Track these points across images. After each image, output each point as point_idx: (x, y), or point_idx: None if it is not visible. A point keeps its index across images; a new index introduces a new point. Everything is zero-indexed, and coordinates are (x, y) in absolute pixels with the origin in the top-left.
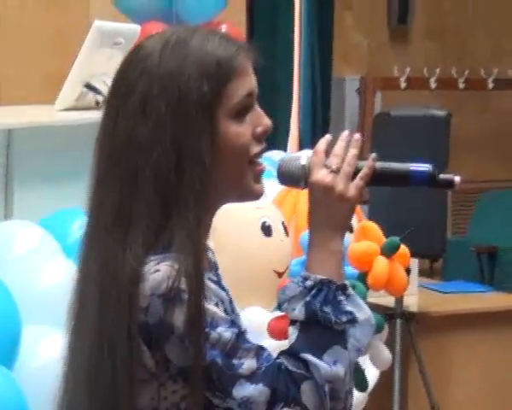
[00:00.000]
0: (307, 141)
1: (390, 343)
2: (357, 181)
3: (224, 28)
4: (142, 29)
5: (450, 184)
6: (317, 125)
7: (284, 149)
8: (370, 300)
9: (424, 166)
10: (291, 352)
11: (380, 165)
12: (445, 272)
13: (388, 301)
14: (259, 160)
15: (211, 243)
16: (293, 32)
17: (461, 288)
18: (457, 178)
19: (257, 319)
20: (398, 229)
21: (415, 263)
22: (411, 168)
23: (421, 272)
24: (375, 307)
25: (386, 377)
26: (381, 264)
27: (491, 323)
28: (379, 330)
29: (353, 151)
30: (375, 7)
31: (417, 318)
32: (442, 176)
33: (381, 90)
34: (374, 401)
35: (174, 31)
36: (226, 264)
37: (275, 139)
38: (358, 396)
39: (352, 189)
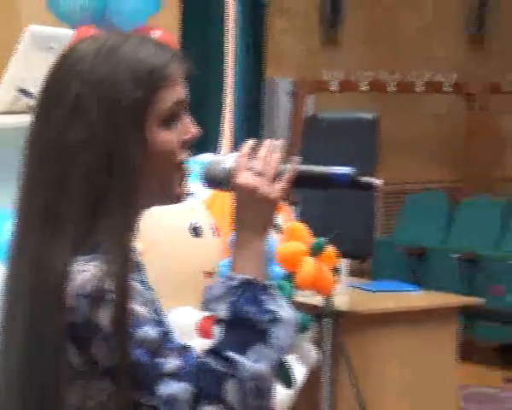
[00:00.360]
0: (240, 144)
1: (320, 342)
2: (280, 183)
3: (157, 33)
4: (76, 34)
5: (369, 186)
6: (250, 127)
7: (217, 151)
8: (300, 299)
9: (345, 170)
10: (215, 350)
11: (303, 168)
12: (375, 271)
13: (318, 300)
14: (185, 165)
15: (139, 244)
16: (225, 35)
17: (389, 287)
18: (377, 181)
19: (186, 319)
20: (328, 230)
21: (344, 263)
22: (333, 171)
23: (352, 272)
24: (304, 307)
25: (316, 375)
26: (308, 264)
27: (419, 321)
28: (305, 329)
29: (276, 154)
30: (307, 11)
31: (346, 316)
32: (362, 179)
33: (313, 93)
34: (304, 398)
35: (107, 36)
36: (155, 265)
37: (208, 142)
38: (287, 394)
39: (275, 191)
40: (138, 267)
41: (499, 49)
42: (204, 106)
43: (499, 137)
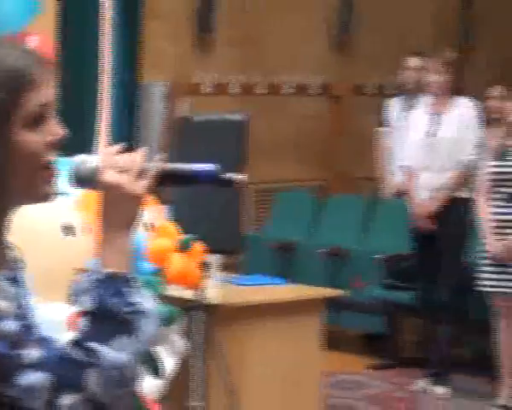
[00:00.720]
0: (116, 144)
1: (191, 334)
2: (144, 181)
3: (34, 38)
4: None
5: (232, 182)
6: (126, 129)
7: (93, 152)
8: (171, 293)
9: (209, 167)
10: (78, 341)
11: (168, 166)
12: (246, 266)
13: (189, 293)
14: (52, 165)
15: (15, 241)
16: (102, 38)
17: (259, 281)
18: (240, 177)
19: (58, 314)
20: (198, 227)
21: (215, 258)
22: (197, 169)
23: (225, 267)
24: (175, 300)
25: (188, 365)
26: (175, 260)
27: (287, 312)
28: (173, 321)
29: (141, 153)
30: (181, 16)
31: (216, 309)
32: (225, 175)
33: (187, 96)
34: (176, 388)
35: None
36: (29, 262)
37: (85, 143)
38: (156, 383)
39: (139, 188)
40: (11, 264)
41: (364, 52)
42: (81, 107)
43: (363, 137)
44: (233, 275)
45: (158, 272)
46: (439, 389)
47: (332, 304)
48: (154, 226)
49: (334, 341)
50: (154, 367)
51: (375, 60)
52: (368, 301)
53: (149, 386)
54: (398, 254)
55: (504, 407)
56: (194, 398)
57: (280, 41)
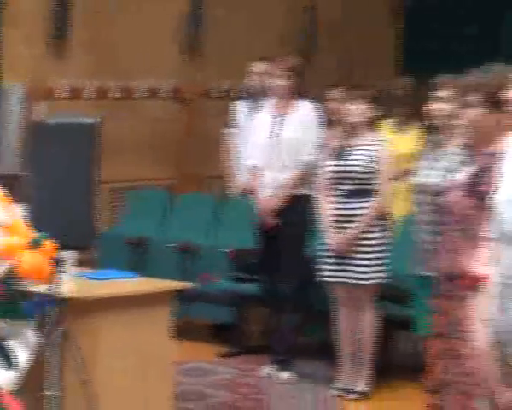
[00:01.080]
0: None
1: (45, 327)
2: None
3: None
4: None
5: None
6: None
7: None
8: (26, 288)
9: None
10: None
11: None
12: (101, 261)
13: (42, 288)
14: None
15: None
16: None
17: (111, 275)
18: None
19: None
20: (53, 224)
21: (69, 254)
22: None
23: (81, 263)
24: (29, 295)
25: (43, 357)
26: (28, 257)
27: (139, 305)
28: (23, 315)
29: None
30: (37, 18)
31: (70, 302)
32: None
33: (42, 99)
34: (31, 379)
35: None
36: None
37: None
38: (9, 376)
39: None
40: None
41: (213, 56)
42: None
43: (212, 138)
44: (87, 270)
45: (10, 269)
46: (284, 375)
47: (182, 296)
48: (7, 225)
49: (184, 331)
50: (8, 360)
51: (224, 64)
52: (216, 293)
53: (3, 379)
54: (245, 249)
55: (344, 389)
56: (49, 388)
57: (132, 44)
